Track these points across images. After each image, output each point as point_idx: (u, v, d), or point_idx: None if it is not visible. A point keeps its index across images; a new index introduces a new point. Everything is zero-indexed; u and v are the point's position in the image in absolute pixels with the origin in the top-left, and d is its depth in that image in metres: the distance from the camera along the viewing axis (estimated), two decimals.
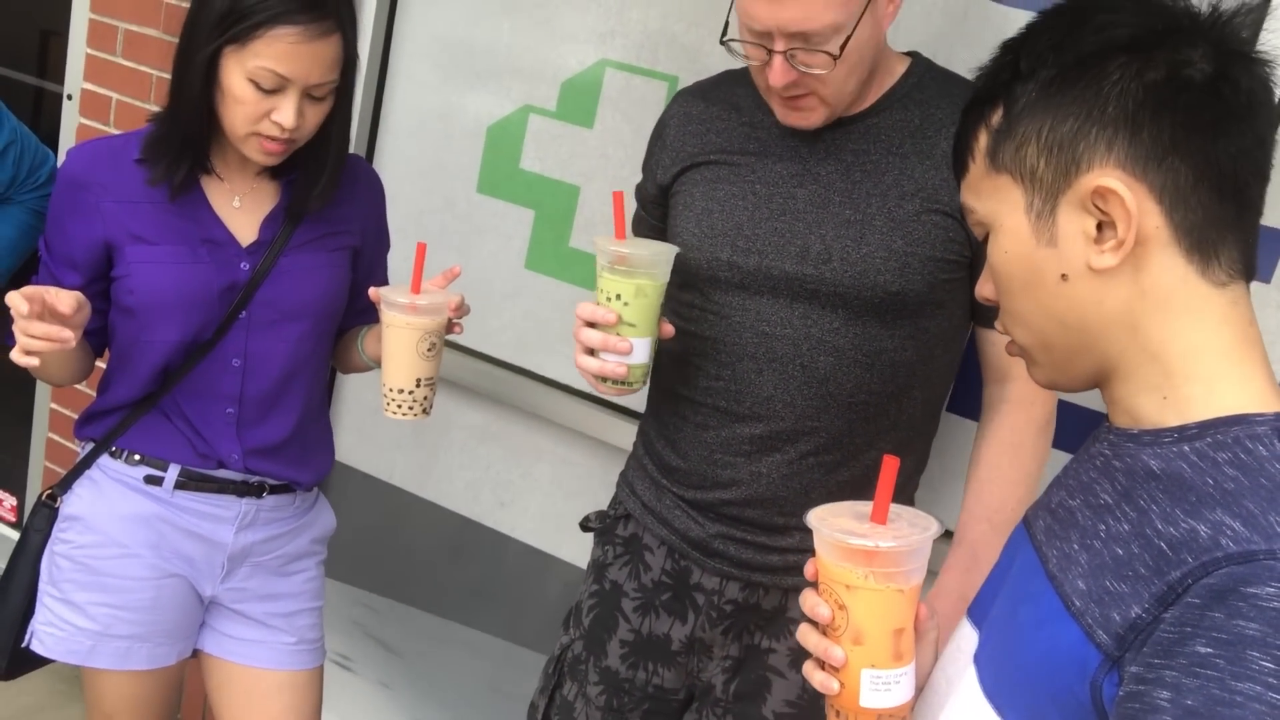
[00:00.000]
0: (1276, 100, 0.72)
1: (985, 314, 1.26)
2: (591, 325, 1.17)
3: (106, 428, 1.41)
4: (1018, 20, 1.45)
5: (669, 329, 1.22)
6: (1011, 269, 0.74)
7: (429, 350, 1.29)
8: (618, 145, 1.78)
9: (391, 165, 1.98)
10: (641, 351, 1.17)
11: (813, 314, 1.22)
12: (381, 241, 1.54)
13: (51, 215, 1.37)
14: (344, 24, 1.28)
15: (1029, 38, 0.74)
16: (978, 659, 0.79)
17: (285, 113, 1.25)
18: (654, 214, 1.38)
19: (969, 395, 1.49)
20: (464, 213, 1.95)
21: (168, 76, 1.32)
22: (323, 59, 1.25)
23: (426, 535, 2.09)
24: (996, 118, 0.74)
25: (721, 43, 1.20)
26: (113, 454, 1.41)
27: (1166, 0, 0.71)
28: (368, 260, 1.50)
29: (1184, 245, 0.69)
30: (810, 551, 1.28)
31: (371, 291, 1.31)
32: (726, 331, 1.26)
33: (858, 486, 1.27)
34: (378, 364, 1.39)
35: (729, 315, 1.25)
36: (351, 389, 2.11)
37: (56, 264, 1.36)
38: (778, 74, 1.14)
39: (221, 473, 1.42)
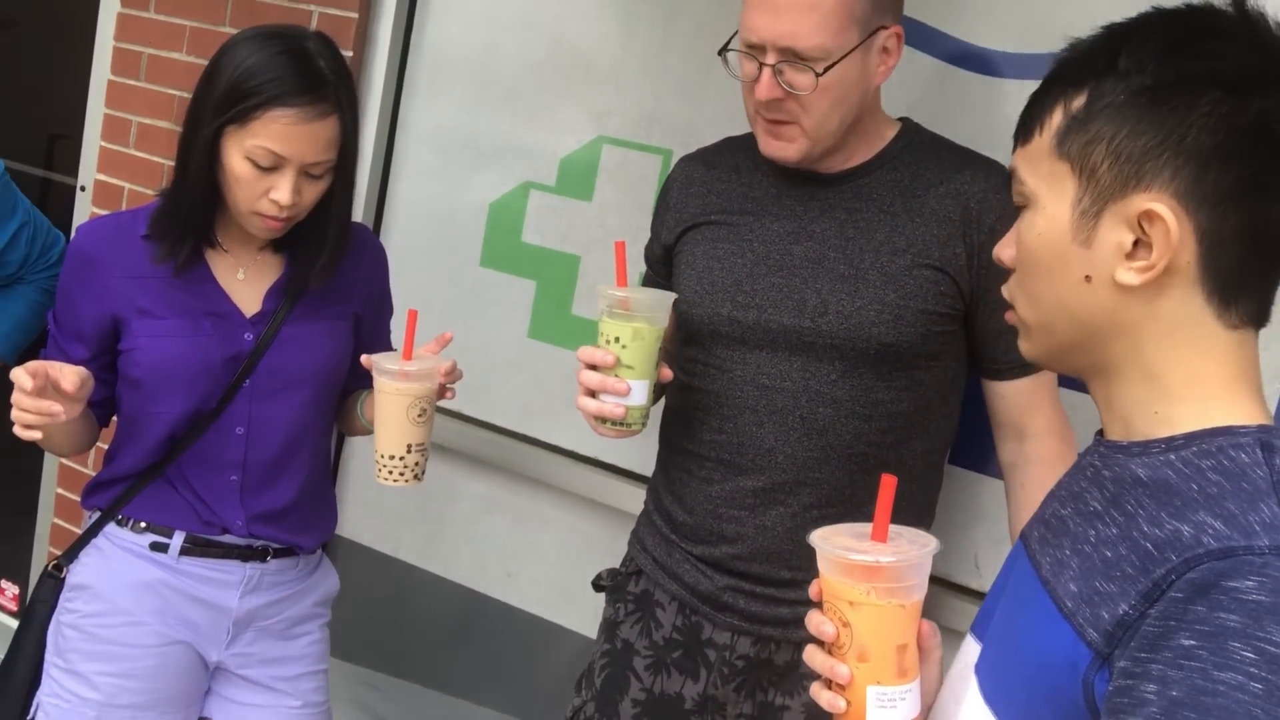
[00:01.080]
0: None
1: (989, 368, 1.30)
2: (592, 368, 1.20)
3: (113, 496, 1.42)
4: (999, 88, 1.54)
5: (668, 373, 1.25)
6: (1039, 252, 0.74)
7: (419, 416, 1.31)
8: (616, 216, 1.84)
9: (398, 242, 2.04)
10: (639, 394, 1.20)
11: (811, 366, 1.25)
12: (384, 307, 1.57)
13: (61, 290, 1.41)
14: (342, 106, 1.31)
15: (1136, 35, 0.72)
16: (978, 668, 0.80)
17: (281, 191, 1.28)
18: (660, 273, 1.43)
19: (972, 447, 1.51)
20: (468, 286, 2.00)
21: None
22: (318, 139, 1.29)
23: (432, 610, 2.07)
24: (1078, 104, 0.72)
25: (719, 53, 1.27)
26: (119, 522, 1.43)
27: (1275, 35, 0.70)
28: (369, 326, 1.53)
29: (1208, 287, 0.70)
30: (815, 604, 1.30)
31: (364, 358, 1.33)
32: (728, 385, 1.29)
33: None
34: None
35: (730, 369, 1.29)
36: (356, 463, 2.12)
37: (65, 337, 1.40)
38: (764, 87, 1.20)
39: (225, 538, 1.43)
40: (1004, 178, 1.28)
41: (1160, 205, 0.69)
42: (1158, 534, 0.66)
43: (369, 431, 1.52)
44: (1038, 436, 1.28)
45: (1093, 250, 0.72)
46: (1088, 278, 0.72)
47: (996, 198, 1.24)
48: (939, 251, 1.23)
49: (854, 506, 1.28)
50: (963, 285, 1.24)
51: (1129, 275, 0.71)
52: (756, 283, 1.28)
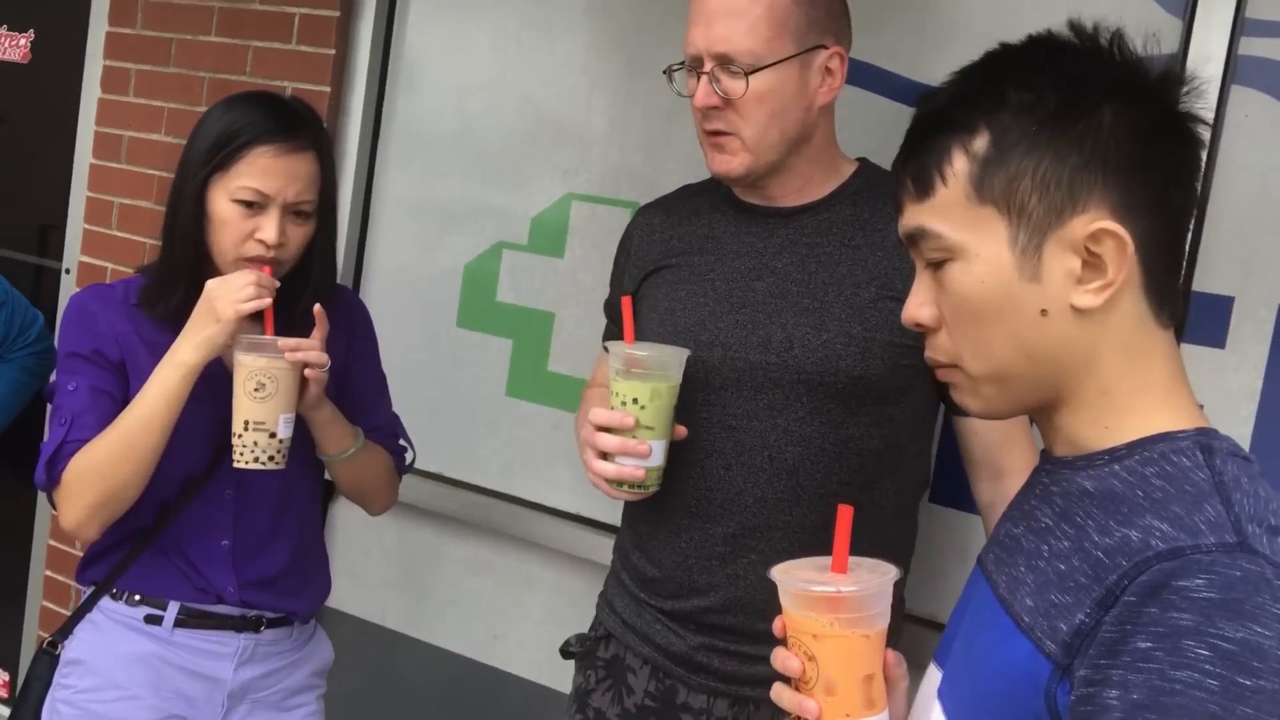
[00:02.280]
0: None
1: (957, 405, 1.27)
2: (606, 430, 1.17)
3: (107, 569, 1.41)
4: None
5: (682, 430, 1.22)
6: (987, 299, 0.72)
7: (256, 391, 1.27)
8: (587, 271, 1.86)
9: (377, 306, 2.03)
10: (659, 454, 1.17)
11: (778, 403, 1.23)
12: (368, 359, 1.55)
13: (67, 336, 1.39)
14: (319, 146, 1.35)
15: (1011, 70, 0.73)
16: (941, 693, 0.80)
17: (268, 230, 1.30)
18: (620, 324, 1.41)
19: (954, 485, 1.49)
20: (445, 347, 2.01)
21: (159, 242, 1.39)
22: (298, 174, 1.32)
23: (421, 678, 2.03)
24: (980, 145, 0.72)
25: (665, 73, 1.31)
26: (113, 596, 1.41)
27: (1130, 50, 0.73)
28: (355, 379, 1.50)
29: (1148, 290, 0.72)
30: None
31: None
32: (694, 429, 1.25)
33: None
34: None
35: (695, 411, 1.26)
36: (340, 532, 2.11)
37: (85, 369, 1.34)
38: (700, 94, 1.23)
39: (219, 608, 1.41)
40: None
41: (1107, 222, 0.69)
42: (1107, 542, 0.66)
43: (346, 485, 1.49)
44: (1015, 473, 1.24)
45: (1043, 283, 0.71)
46: (1044, 311, 0.71)
47: None
48: (902, 284, 1.20)
49: (828, 551, 1.24)
50: None
51: (1087, 298, 0.70)
52: (719, 321, 1.26)
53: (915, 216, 0.75)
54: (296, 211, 1.34)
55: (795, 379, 1.22)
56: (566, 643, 1.42)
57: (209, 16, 2.13)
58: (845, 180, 1.30)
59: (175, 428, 1.33)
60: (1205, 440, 0.70)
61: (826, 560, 0.81)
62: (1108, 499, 0.69)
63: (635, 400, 1.15)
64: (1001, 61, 0.75)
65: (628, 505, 1.39)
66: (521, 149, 1.93)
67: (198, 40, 2.15)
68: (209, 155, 1.32)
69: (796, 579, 0.79)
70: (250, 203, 1.31)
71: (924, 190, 0.74)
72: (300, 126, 1.34)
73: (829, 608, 0.78)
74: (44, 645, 1.45)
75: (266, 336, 1.30)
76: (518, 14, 1.93)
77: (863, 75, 1.65)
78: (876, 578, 0.79)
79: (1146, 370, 0.72)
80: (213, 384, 1.37)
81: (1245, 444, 1.45)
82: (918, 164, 0.75)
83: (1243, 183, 1.44)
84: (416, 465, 1.99)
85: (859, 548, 1.29)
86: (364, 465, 1.47)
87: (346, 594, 2.08)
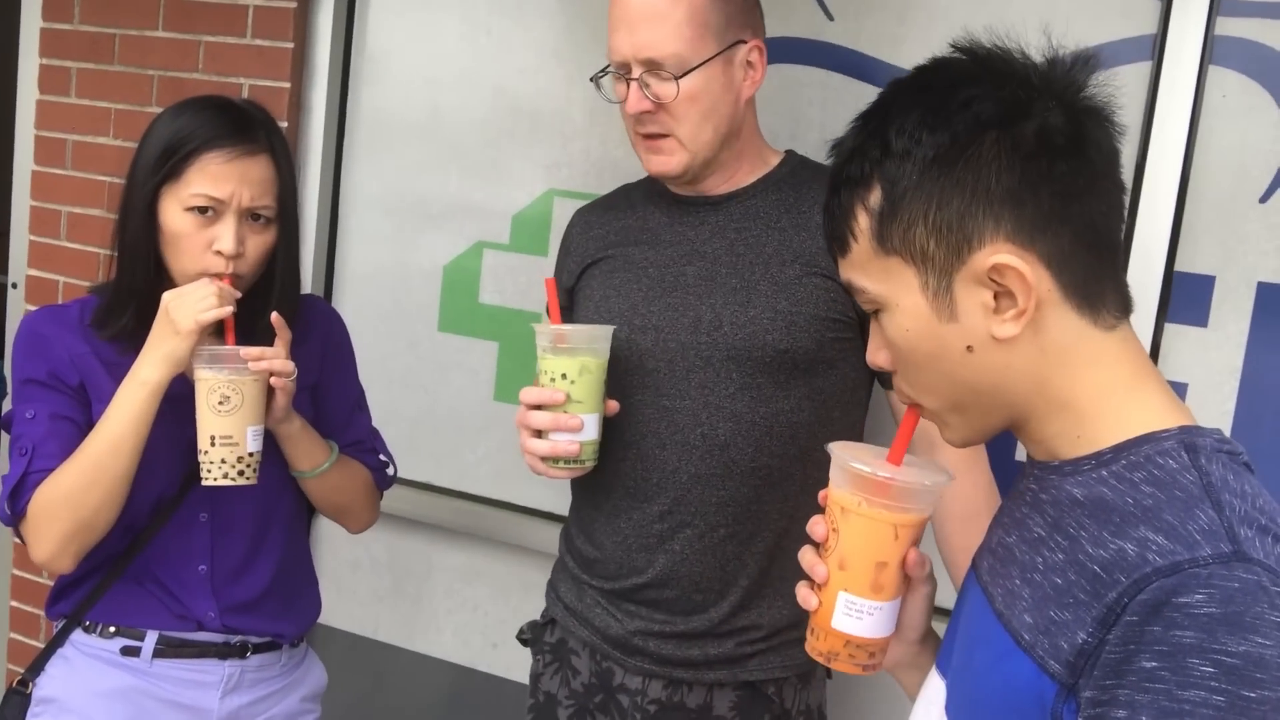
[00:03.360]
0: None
1: (885, 378, 1.29)
2: (536, 408, 1.20)
3: (77, 601, 1.35)
4: None
5: (614, 405, 1.25)
6: (915, 345, 0.75)
7: (220, 405, 1.24)
8: None
9: (350, 312, 1.98)
10: (591, 428, 1.20)
11: (709, 381, 1.26)
12: (344, 371, 1.50)
13: (21, 362, 1.32)
14: (274, 149, 1.30)
15: (893, 113, 0.74)
16: (949, 709, 0.79)
17: (225, 239, 1.25)
18: (563, 319, 1.43)
19: None
20: (427, 352, 1.95)
21: (114, 253, 1.32)
22: (253, 178, 1.27)
23: (418, 690, 2.00)
24: (875, 199, 0.74)
25: (591, 80, 1.32)
26: (86, 628, 1.35)
27: (1015, 61, 0.74)
28: (330, 393, 1.46)
29: (1074, 302, 0.73)
30: (732, 639, 1.28)
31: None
32: (630, 412, 1.29)
33: (773, 558, 1.29)
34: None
35: (631, 394, 1.29)
36: (326, 546, 2.05)
37: (42, 396, 1.29)
38: (632, 100, 1.25)
39: (200, 635, 1.36)
40: None
41: (1002, 256, 0.71)
42: (1103, 555, 0.67)
43: (323, 503, 1.45)
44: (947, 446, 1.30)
45: (961, 321, 0.73)
46: (969, 348, 0.73)
47: None
48: (826, 261, 1.23)
49: (762, 524, 1.28)
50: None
51: (1006, 328, 0.72)
52: (651, 305, 1.30)
53: (844, 271, 0.79)
54: (254, 218, 1.29)
55: (724, 356, 1.25)
56: (520, 630, 1.46)
57: (155, 10, 2.02)
58: (771, 169, 1.34)
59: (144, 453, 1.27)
60: (1189, 439, 0.70)
61: (882, 449, 0.85)
62: (1099, 508, 0.70)
63: (564, 376, 1.18)
64: (887, 106, 0.76)
65: (574, 492, 1.40)
66: (498, 143, 1.88)
67: (144, 36, 2.03)
68: (157, 165, 1.26)
69: (845, 453, 0.83)
70: (204, 210, 1.25)
71: (841, 249, 0.78)
72: (253, 128, 1.28)
73: (860, 487, 0.81)
74: (14, 685, 1.38)
75: (228, 347, 1.26)
76: (487, 1, 1.87)
77: (845, 61, 1.65)
78: (916, 473, 0.82)
79: (1099, 376, 0.73)
80: (177, 403, 1.31)
81: (1228, 419, 1.50)
82: (831, 224, 0.79)
83: (1221, 162, 1.48)
84: (404, 475, 1.95)
85: (794, 521, 1.29)
86: (340, 481, 1.42)
87: (336, 609, 2.03)
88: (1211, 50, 1.48)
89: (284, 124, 1.93)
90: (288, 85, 1.94)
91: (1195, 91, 1.48)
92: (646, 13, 1.23)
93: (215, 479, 1.24)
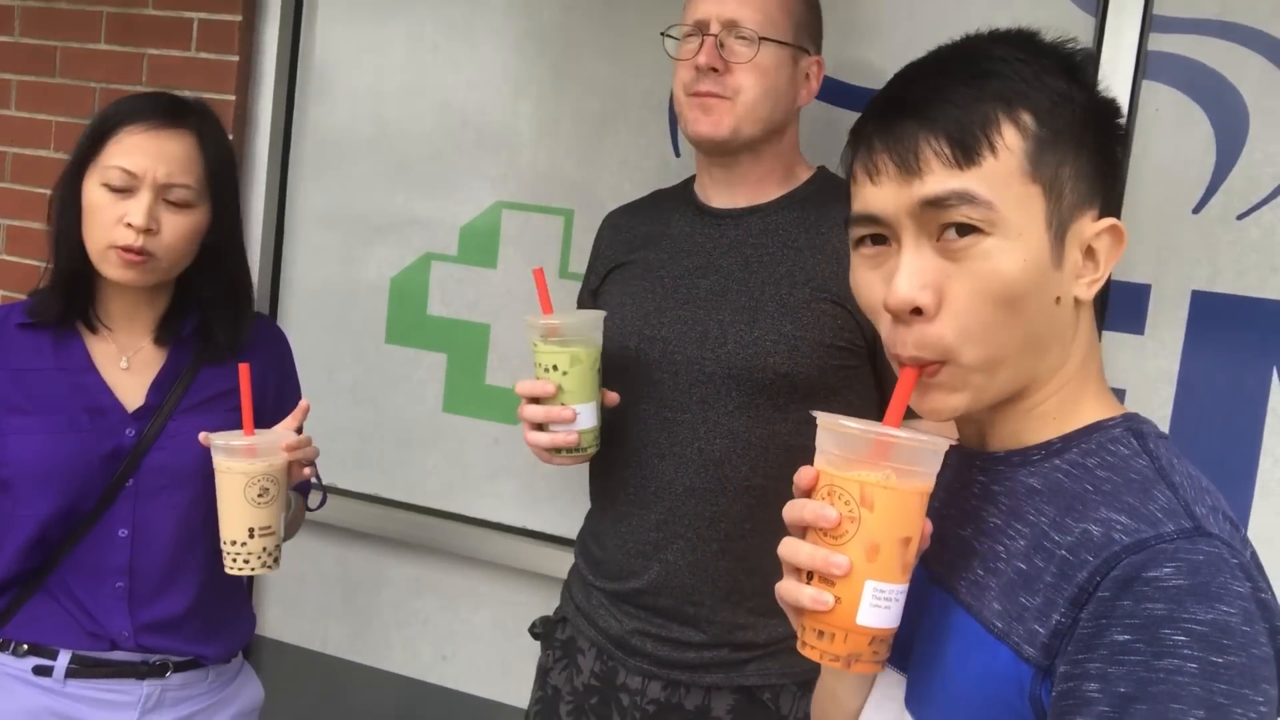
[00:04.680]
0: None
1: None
2: (534, 401, 1.18)
3: None
4: None
5: (614, 396, 1.24)
6: (1025, 280, 0.68)
7: (259, 497, 1.20)
8: (522, 281, 1.79)
9: (297, 326, 1.94)
10: (587, 416, 1.18)
11: (709, 397, 1.25)
12: (288, 394, 1.45)
13: None
14: (201, 131, 1.26)
15: (1037, 55, 0.71)
16: (910, 703, 0.77)
17: (135, 212, 1.21)
18: None
19: None
20: (374, 364, 1.91)
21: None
22: (171, 155, 1.23)
23: (368, 704, 1.94)
24: (1029, 122, 0.69)
25: (662, 34, 1.34)
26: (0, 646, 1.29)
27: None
28: (270, 418, 1.38)
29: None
30: (728, 646, 1.26)
31: (201, 436, 1.23)
32: (634, 420, 1.29)
33: (766, 576, 1.25)
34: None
35: (637, 403, 1.28)
36: None
37: None
38: (705, 53, 1.25)
39: (115, 655, 1.30)
40: None
41: (1116, 220, 0.71)
42: (1068, 539, 0.66)
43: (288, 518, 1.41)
44: None
45: (1063, 271, 0.70)
46: (1058, 299, 0.70)
47: None
48: (838, 287, 1.22)
49: (756, 544, 1.25)
50: (863, 323, 1.22)
51: (1086, 290, 0.71)
52: (663, 316, 1.29)
53: (961, 181, 0.68)
54: (172, 200, 1.24)
55: (726, 374, 1.24)
56: (533, 624, 1.45)
57: (97, 23, 1.96)
58: (799, 185, 1.32)
59: (49, 460, 1.24)
60: (1135, 426, 0.71)
61: (870, 421, 0.72)
62: (1057, 494, 0.69)
63: (556, 367, 1.16)
64: (1026, 44, 0.72)
65: (593, 492, 1.39)
66: (446, 156, 1.84)
67: (86, 48, 1.97)
68: (84, 146, 1.24)
69: (851, 421, 0.70)
70: (120, 187, 1.22)
71: (970, 156, 0.68)
72: (182, 112, 1.25)
73: (885, 454, 0.68)
74: None
75: (264, 436, 1.22)
76: (434, 16, 1.83)
77: (837, 94, 1.62)
78: (935, 436, 0.70)
79: (1093, 363, 0.74)
80: (97, 415, 1.27)
81: (1165, 424, 1.50)
82: (962, 125, 0.68)
83: (1155, 175, 1.48)
84: (353, 489, 1.91)
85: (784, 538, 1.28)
86: (294, 518, 1.40)
87: (283, 622, 1.98)
88: (1145, 66, 1.47)
89: (229, 137, 1.88)
90: (232, 98, 1.89)
91: (1130, 106, 1.48)
92: None
93: (254, 568, 1.22)
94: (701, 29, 1.25)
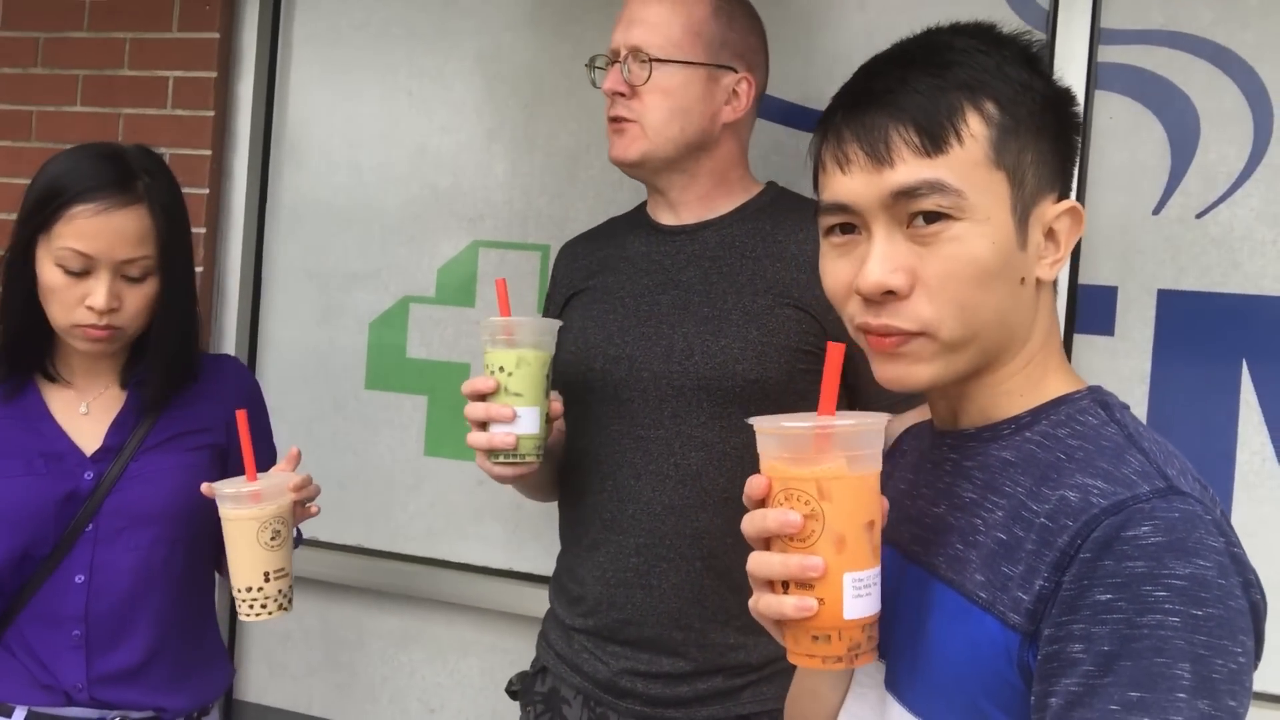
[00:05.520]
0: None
1: (876, 404, 1.24)
2: (480, 400, 1.15)
3: None
4: None
5: (558, 405, 1.20)
6: (993, 262, 0.70)
7: (272, 540, 1.18)
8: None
9: (276, 379, 1.90)
10: (529, 421, 1.13)
11: (681, 411, 1.23)
12: (258, 433, 1.40)
13: None
14: (151, 199, 1.22)
15: (1002, 45, 0.73)
16: (892, 684, 0.76)
17: (96, 295, 1.19)
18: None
19: None
20: (354, 411, 1.86)
21: None
22: (124, 233, 1.20)
23: None
24: (993, 111, 0.70)
25: (586, 65, 1.36)
26: None
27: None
28: (238, 459, 1.35)
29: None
30: (721, 673, 1.21)
31: (204, 487, 1.20)
32: (605, 442, 1.26)
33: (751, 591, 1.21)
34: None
35: (606, 425, 1.26)
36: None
37: None
38: (610, 80, 1.29)
39: (71, 711, 1.23)
40: None
41: (1075, 202, 0.74)
42: (1046, 507, 0.67)
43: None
44: None
45: (1027, 253, 0.72)
46: (1023, 280, 0.72)
47: None
48: (799, 292, 1.23)
49: (739, 557, 1.19)
50: (827, 326, 1.22)
51: (1048, 270, 0.73)
52: (626, 334, 1.27)
53: (930, 170, 0.69)
54: (130, 275, 1.21)
55: (696, 385, 1.22)
56: (510, 681, 1.40)
57: (73, 85, 1.96)
58: (750, 199, 1.32)
59: (4, 503, 1.20)
60: (1100, 397, 0.73)
61: (804, 414, 0.71)
62: (1030, 465, 0.70)
63: (502, 368, 1.14)
64: (986, 36, 0.74)
65: (561, 532, 1.35)
66: (421, 200, 1.84)
67: (62, 111, 1.97)
68: (33, 212, 1.20)
69: (794, 420, 0.69)
70: (76, 271, 1.19)
71: (937, 145, 0.70)
72: (127, 181, 1.21)
73: (832, 445, 0.67)
74: None
75: (269, 480, 1.20)
76: (407, 63, 1.85)
77: (788, 115, 1.64)
78: (870, 415, 0.70)
79: (1054, 340, 0.76)
80: (52, 460, 1.24)
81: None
82: (928, 114, 0.70)
83: (1114, 180, 1.50)
84: (334, 540, 1.84)
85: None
86: None
87: (267, 686, 1.88)
88: (1096, 77, 1.51)
89: (205, 191, 1.88)
90: (209, 153, 1.89)
91: (1085, 115, 1.51)
92: (649, 9, 1.28)
93: (271, 612, 1.19)
94: (615, 57, 1.29)
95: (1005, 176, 0.70)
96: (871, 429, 0.69)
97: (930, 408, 0.81)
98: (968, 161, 0.70)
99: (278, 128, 1.93)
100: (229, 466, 1.36)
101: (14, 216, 1.17)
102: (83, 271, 1.18)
